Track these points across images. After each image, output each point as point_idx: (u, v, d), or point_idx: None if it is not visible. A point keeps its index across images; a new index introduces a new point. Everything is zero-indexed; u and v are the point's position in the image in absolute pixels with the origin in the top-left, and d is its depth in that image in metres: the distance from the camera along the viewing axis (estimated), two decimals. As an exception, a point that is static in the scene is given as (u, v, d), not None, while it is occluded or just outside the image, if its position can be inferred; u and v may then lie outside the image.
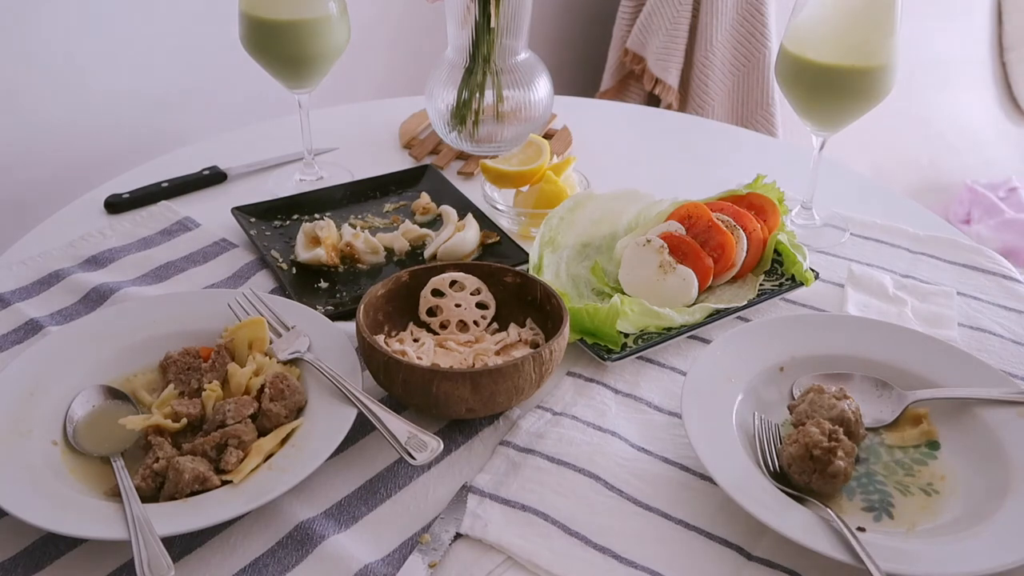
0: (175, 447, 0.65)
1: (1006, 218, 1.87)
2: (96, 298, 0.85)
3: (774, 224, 0.90)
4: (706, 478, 0.66)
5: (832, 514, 0.59)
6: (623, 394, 0.76)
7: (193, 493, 0.61)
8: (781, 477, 0.64)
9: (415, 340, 0.76)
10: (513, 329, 0.78)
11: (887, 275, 0.92)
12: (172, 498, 0.61)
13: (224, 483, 0.62)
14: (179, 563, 0.59)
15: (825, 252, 0.97)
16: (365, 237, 0.92)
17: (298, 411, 0.68)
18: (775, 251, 0.89)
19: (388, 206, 1.03)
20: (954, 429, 0.69)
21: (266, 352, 0.73)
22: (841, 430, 0.64)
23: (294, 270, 0.90)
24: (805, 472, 0.63)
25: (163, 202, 1.02)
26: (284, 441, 0.66)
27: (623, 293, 0.83)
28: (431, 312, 0.79)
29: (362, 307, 0.73)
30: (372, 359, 0.69)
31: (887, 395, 0.72)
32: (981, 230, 1.88)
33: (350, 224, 0.96)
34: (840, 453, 0.62)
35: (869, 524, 0.62)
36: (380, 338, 0.75)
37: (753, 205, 0.91)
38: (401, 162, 1.14)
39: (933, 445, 0.69)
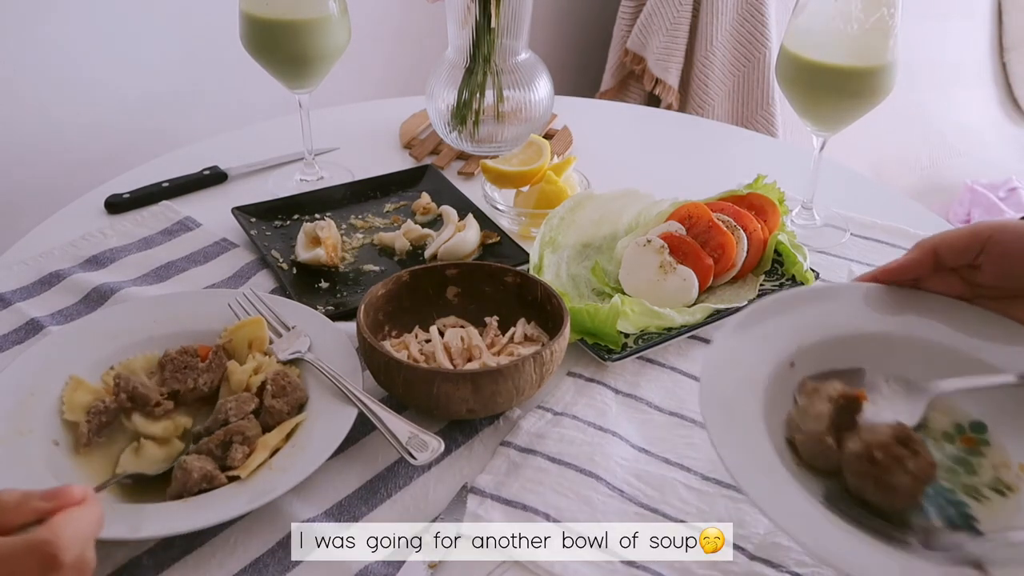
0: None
1: (1006, 218, 1.87)
2: (97, 298, 0.85)
3: (774, 224, 0.90)
4: (707, 478, 0.66)
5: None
6: (623, 394, 0.76)
7: (200, 492, 0.61)
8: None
9: (426, 341, 0.76)
10: (513, 329, 0.78)
11: (887, 275, 0.91)
12: (179, 497, 0.60)
13: (231, 479, 0.62)
14: (179, 563, 0.59)
15: (825, 252, 0.97)
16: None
17: (299, 408, 0.69)
18: (775, 251, 0.89)
19: (388, 206, 1.03)
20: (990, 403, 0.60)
21: (266, 352, 0.73)
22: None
23: (294, 270, 0.90)
24: (862, 475, 0.53)
25: (164, 202, 1.02)
26: (288, 437, 0.66)
27: (623, 293, 0.83)
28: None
29: (362, 307, 0.73)
30: (373, 359, 0.69)
31: (908, 392, 0.61)
32: (981, 230, 1.87)
33: (351, 224, 0.97)
34: (910, 466, 0.52)
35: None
36: (380, 338, 0.75)
37: (753, 205, 0.91)
38: (401, 162, 1.14)
39: (977, 427, 0.61)
